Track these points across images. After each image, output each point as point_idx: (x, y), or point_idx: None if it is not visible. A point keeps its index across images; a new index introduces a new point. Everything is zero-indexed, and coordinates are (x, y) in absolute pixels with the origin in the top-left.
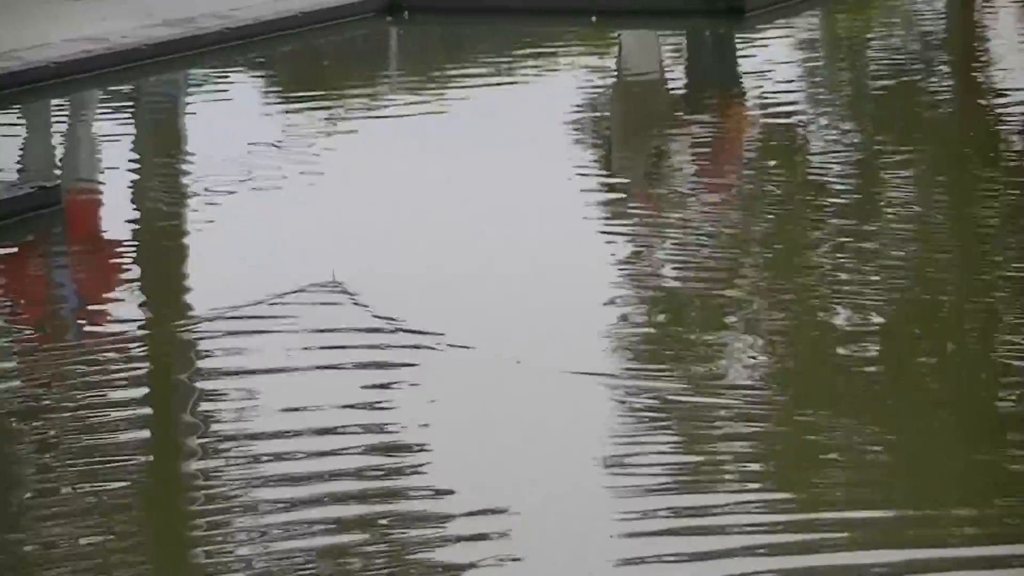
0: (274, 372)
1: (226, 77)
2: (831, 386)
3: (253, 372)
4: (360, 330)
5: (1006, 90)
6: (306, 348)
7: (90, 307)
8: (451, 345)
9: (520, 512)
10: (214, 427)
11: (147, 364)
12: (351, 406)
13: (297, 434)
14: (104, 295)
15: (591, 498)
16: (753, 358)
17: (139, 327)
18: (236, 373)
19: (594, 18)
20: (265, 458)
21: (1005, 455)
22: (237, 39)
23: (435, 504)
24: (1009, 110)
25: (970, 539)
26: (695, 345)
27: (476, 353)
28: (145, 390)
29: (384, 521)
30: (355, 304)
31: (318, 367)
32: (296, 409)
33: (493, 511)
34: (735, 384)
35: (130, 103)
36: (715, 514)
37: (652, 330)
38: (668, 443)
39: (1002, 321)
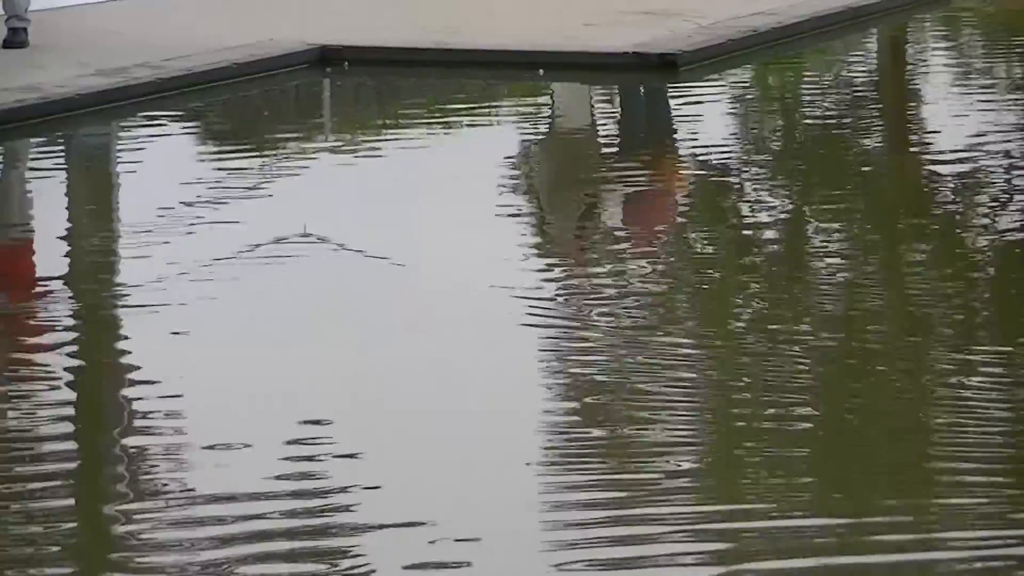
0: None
1: (159, 127)
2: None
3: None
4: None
5: (936, 147)
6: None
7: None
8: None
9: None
10: None
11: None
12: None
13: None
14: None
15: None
16: (682, 395)
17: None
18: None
19: (541, 71)
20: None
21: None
22: (171, 89)
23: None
24: (939, 166)
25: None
26: (627, 388)
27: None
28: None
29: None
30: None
31: None
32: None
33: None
34: (665, 419)
35: (63, 152)
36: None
37: (579, 376)
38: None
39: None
